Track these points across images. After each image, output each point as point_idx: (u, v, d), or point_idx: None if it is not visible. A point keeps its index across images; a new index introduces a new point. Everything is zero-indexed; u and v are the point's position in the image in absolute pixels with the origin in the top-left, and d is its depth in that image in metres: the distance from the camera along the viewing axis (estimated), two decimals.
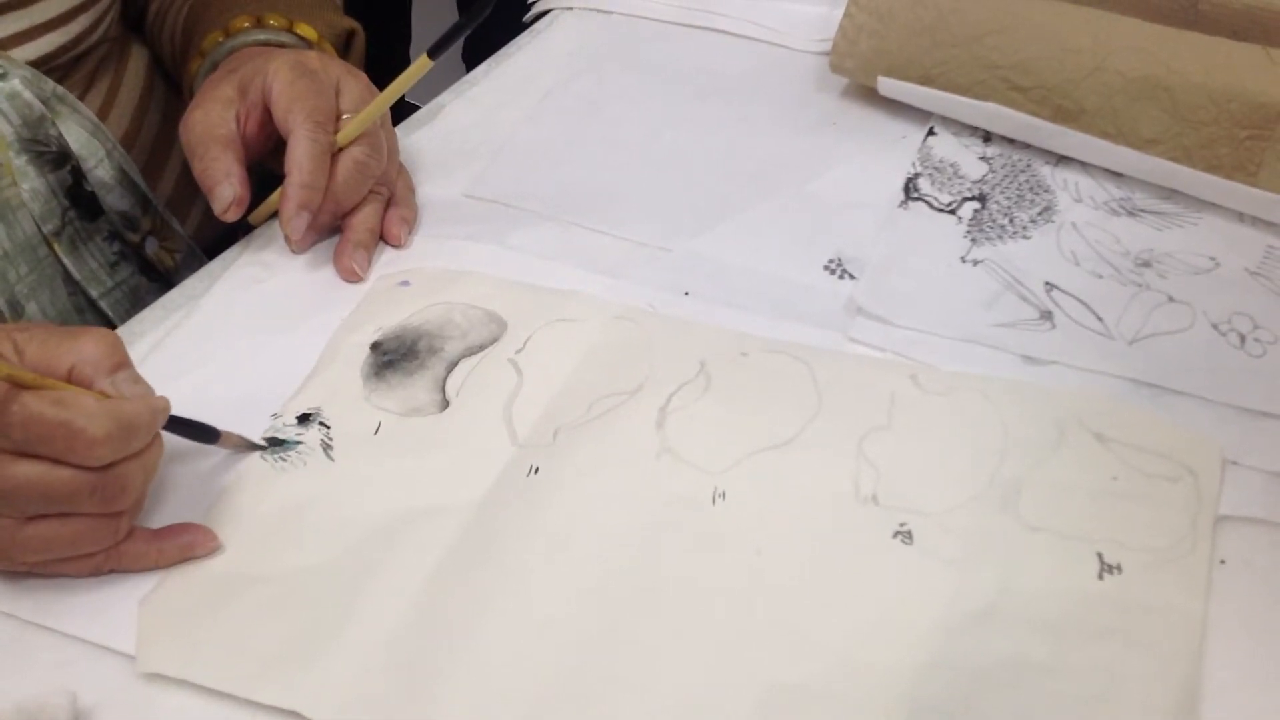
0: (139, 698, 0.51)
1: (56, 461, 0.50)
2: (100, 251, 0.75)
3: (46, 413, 0.50)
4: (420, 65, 0.69)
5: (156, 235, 0.79)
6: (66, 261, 0.73)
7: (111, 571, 0.55)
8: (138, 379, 0.54)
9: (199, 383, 0.64)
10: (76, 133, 0.72)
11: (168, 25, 0.85)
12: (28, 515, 0.52)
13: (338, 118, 0.71)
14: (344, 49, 0.83)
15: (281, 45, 0.77)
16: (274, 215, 0.72)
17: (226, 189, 0.68)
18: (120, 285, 0.77)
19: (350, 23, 0.84)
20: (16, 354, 0.52)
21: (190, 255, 0.81)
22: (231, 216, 0.68)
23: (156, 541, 0.55)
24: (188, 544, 0.56)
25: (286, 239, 0.70)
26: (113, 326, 0.76)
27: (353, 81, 0.73)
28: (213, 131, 0.69)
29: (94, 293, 0.75)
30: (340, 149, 0.70)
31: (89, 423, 0.50)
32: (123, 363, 0.54)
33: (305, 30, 0.79)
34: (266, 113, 0.70)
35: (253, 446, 0.61)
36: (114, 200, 0.75)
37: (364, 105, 0.71)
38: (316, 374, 0.65)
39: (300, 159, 0.68)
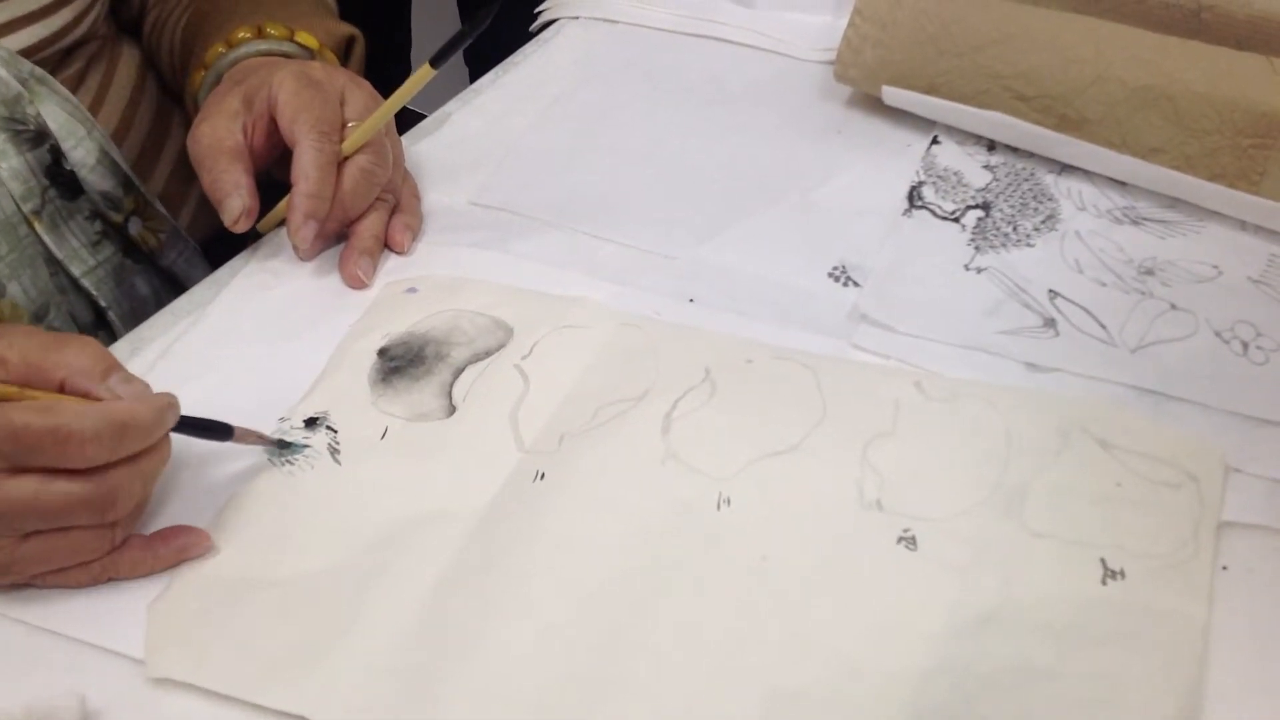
0: (147, 700, 0.51)
1: (50, 473, 0.51)
2: (82, 230, 0.75)
3: (33, 421, 0.50)
4: (423, 74, 0.69)
5: (140, 215, 0.78)
6: (47, 240, 0.72)
7: (110, 580, 0.55)
8: (130, 378, 0.54)
9: (206, 389, 0.64)
10: (54, 113, 0.72)
11: (165, 37, 0.85)
12: (24, 533, 0.52)
13: (343, 126, 0.71)
14: (344, 55, 0.83)
15: (284, 55, 0.78)
16: (281, 223, 0.73)
17: (236, 201, 0.68)
18: (103, 264, 0.76)
19: (349, 29, 0.84)
20: None
21: (175, 236, 0.81)
22: (241, 227, 0.69)
23: (151, 548, 0.56)
24: (182, 547, 0.56)
25: (294, 247, 0.71)
26: (96, 306, 0.76)
27: (357, 90, 0.73)
28: (220, 144, 0.69)
29: (76, 271, 0.74)
30: (346, 157, 0.71)
31: (78, 423, 0.50)
32: (113, 366, 0.54)
33: (306, 39, 0.79)
34: (273, 123, 0.71)
35: (269, 440, 0.61)
36: (95, 180, 0.74)
37: (369, 114, 0.71)
38: (324, 379, 0.65)
39: (307, 168, 0.68)
